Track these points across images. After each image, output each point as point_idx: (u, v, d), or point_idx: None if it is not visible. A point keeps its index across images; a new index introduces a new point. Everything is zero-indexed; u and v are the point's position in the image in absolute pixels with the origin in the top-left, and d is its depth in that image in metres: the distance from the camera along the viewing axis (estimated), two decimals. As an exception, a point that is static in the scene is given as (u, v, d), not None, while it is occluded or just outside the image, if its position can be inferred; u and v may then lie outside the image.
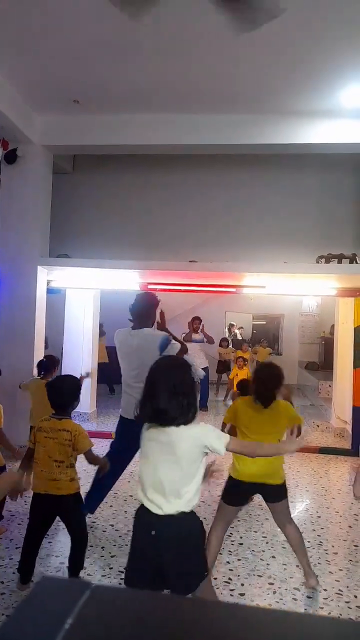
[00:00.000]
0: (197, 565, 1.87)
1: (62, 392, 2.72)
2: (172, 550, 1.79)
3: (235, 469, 2.67)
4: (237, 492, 2.72)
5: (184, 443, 1.79)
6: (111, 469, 3.04)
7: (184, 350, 3.36)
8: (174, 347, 3.31)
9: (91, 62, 4.21)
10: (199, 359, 7.40)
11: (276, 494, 2.72)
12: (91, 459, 2.67)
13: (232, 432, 2.77)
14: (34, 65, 4.32)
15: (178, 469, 1.79)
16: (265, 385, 2.69)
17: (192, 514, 1.83)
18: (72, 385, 2.80)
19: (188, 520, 1.81)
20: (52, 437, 2.59)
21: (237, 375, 7.13)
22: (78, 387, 2.83)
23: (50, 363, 4.30)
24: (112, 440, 3.67)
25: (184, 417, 1.80)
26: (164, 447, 1.80)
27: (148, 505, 1.80)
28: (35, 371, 5.24)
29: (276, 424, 2.66)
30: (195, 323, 7.41)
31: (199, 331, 7.41)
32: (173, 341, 3.35)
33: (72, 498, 2.63)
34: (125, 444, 3.26)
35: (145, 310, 3.39)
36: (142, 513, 1.84)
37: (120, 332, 3.54)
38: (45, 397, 3.17)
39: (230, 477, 2.72)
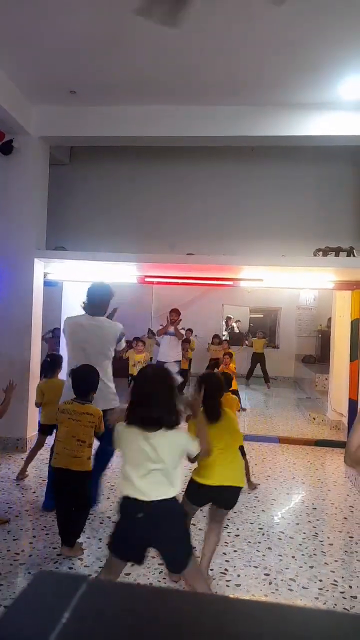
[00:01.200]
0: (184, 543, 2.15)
1: (87, 380, 3.02)
2: (160, 530, 2.06)
3: (199, 474, 2.67)
4: (199, 494, 2.71)
5: (167, 445, 2.05)
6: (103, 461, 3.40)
7: (127, 347, 3.54)
8: (122, 344, 3.54)
9: (88, 53, 4.16)
10: (172, 352, 7.41)
11: (231, 500, 2.70)
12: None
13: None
14: (30, 56, 4.27)
15: (162, 464, 2.04)
16: (212, 397, 2.68)
17: (174, 499, 2.09)
18: (94, 375, 3.07)
19: (172, 504, 2.08)
20: (76, 419, 2.91)
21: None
22: (98, 377, 3.09)
23: (56, 362, 4.32)
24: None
25: (172, 423, 2.07)
26: (151, 447, 2.03)
27: (136, 495, 2.03)
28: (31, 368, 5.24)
29: (232, 433, 2.74)
30: (173, 315, 7.39)
31: (175, 324, 7.39)
32: (124, 338, 3.58)
33: (87, 474, 2.95)
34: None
35: (104, 301, 3.56)
36: (129, 502, 2.06)
37: (73, 318, 3.61)
38: (57, 395, 3.68)
39: (193, 480, 2.70)
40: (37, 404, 4.28)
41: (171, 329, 7.30)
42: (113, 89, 4.82)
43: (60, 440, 2.94)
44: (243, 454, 3.69)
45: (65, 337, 3.58)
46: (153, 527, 2.05)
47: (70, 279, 6.33)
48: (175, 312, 7.40)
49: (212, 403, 2.68)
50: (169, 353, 7.36)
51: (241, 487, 2.70)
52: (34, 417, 5.28)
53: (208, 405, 2.66)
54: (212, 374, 2.99)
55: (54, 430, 4.13)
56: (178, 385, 2.25)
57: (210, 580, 2.77)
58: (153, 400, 2.06)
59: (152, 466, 2.03)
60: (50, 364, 4.33)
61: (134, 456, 2.07)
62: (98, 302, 3.54)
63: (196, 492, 2.69)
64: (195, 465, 2.60)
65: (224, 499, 2.69)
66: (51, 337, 7.71)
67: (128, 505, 2.07)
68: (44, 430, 4.27)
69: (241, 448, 3.52)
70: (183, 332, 7.62)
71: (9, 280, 5.24)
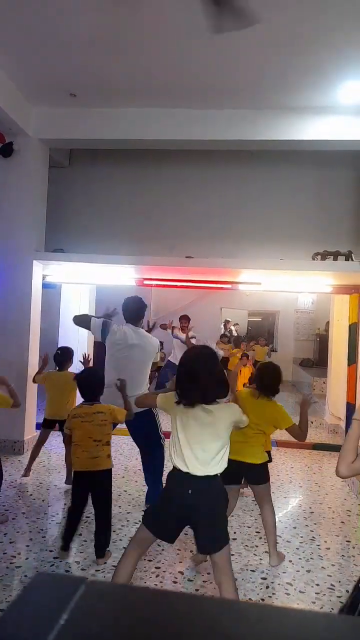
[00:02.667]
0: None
1: (94, 384, 3.13)
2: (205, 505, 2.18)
3: None
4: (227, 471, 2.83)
5: (222, 418, 2.21)
6: None
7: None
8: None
9: (88, 56, 4.18)
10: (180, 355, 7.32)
11: (256, 475, 3.00)
12: (128, 416, 3.16)
13: None
14: (31, 58, 4.28)
15: (217, 438, 2.19)
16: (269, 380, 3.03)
17: (218, 476, 2.22)
18: (101, 377, 3.22)
19: (218, 481, 2.23)
20: (89, 420, 3.00)
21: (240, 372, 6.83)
22: (103, 379, 3.23)
23: (67, 355, 4.37)
24: None
25: (219, 395, 2.25)
26: (206, 422, 2.17)
27: (183, 467, 2.16)
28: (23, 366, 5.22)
29: (265, 415, 3.00)
30: (182, 322, 7.40)
31: (186, 330, 7.33)
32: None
33: (108, 473, 3.04)
34: None
35: (139, 312, 3.79)
36: (177, 475, 2.20)
37: (119, 326, 3.75)
38: (65, 389, 4.03)
39: None
40: (34, 380, 4.40)
41: (181, 335, 7.27)
42: (113, 92, 4.84)
43: (79, 444, 3.01)
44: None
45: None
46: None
47: (69, 281, 6.33)
48: (185, 319, 7.40)
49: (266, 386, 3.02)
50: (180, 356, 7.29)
51: (257, 463, 2.95)
52: (31, 419, 5.27)
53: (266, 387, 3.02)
54: (270, 364, 3.29)
55: (56, 425, 4.18)
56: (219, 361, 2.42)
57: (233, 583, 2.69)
58: (205, 376, 2.19)
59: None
60: (61, 356, 4.33)
61: (190, 430, 2.19)
62: (137, 314, 3.79)
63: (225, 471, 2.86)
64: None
65: (248, 474, 2.98)
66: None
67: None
68: (48, 424, 4.28)
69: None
70: (194, 341, 7.54)
71: (8, 282, 5.23)
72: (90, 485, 3.00)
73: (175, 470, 2.21)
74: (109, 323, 3.70)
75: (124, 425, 3.57)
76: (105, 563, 2.96)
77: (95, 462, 2.98)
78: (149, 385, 3.84)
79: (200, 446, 2.16)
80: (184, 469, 2.16)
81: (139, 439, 3.76)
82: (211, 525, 2.20)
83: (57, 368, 4.33)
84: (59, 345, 6.85)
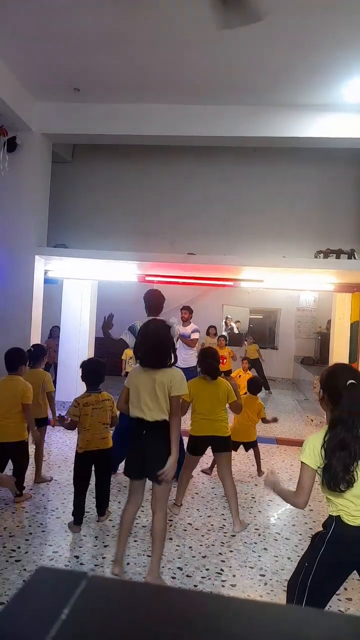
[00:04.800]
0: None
1: (99, 372, 3.44)
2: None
3: (193, 428, 3.52)
4: (195, 445, 3.53)
5: (163, 380, 2.62)
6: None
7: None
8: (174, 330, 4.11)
9: (92, 51, 4.17)
10: (186, 355, 6.37)
11: (224, 445, 3.51)
12: (115, 421, 3.51)
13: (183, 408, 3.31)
14: (35, 53, 4.27)
15: (159, 394, 2.62)
16: (211, 363, 3.53)
17: (165, 421, 2.64)
18: (103, 367, 3.54)
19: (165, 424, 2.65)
20: (99, 407, 3.37)
21: (240, 376, 6.30)
22: (105, 370, 3.56)
23: (40, 352, 4.30)
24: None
25: (165, 364, 2.64)
26: (151, 381, 2.62)
27: (140, 414, 2.62)
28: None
29: (218, 400, 3.49)
30: (183, 313, 6.43)
31: (188, 324, 6.47)
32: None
33: (110, 450, 3.45)
34: None
35: (160, 304, 4.11)
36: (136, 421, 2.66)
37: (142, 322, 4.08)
38: (39, 386, 4.07)
39: (190, 435, 3.55)
40: None
41: (185, 330, 6.67)
42: (116, 87, 4.83)
43: (89, 429, 3.33)
44: (255, 444, 4.60)
45: None
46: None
47: (71, 276, 6.33)
48: (186, 310, 6.51)
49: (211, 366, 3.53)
50: (183, 357, 6.85)
51: (225, 435, 3.50)
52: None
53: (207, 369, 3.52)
54: (209, 348, 3.91)
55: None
56: (176, 336, 2.84)
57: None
58: (151, 345, 2.63)
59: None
60: (34, 353, 4.22)
61: (140, 386, 2.63)
62: (154, 306, 4.08)
63: (194, 444, 3.51)
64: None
65: (217, 445, 3.50)
66: (50, 338, 7.69)
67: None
68: None
69: (253, 443, 4.55)
70: (196, 335, 6.62)
71: (10, 277, 5.24)
72: (97, 461, 3.36)
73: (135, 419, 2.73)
74: (134, 326, 3.96)
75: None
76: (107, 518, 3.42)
77: (104, 442, 3.37)
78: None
79: (146, 399, 2.66)
80: (138, 415, 2.65)
81: None
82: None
83: (30, 366, 4.14)
84: (60, 343, 6.90)
